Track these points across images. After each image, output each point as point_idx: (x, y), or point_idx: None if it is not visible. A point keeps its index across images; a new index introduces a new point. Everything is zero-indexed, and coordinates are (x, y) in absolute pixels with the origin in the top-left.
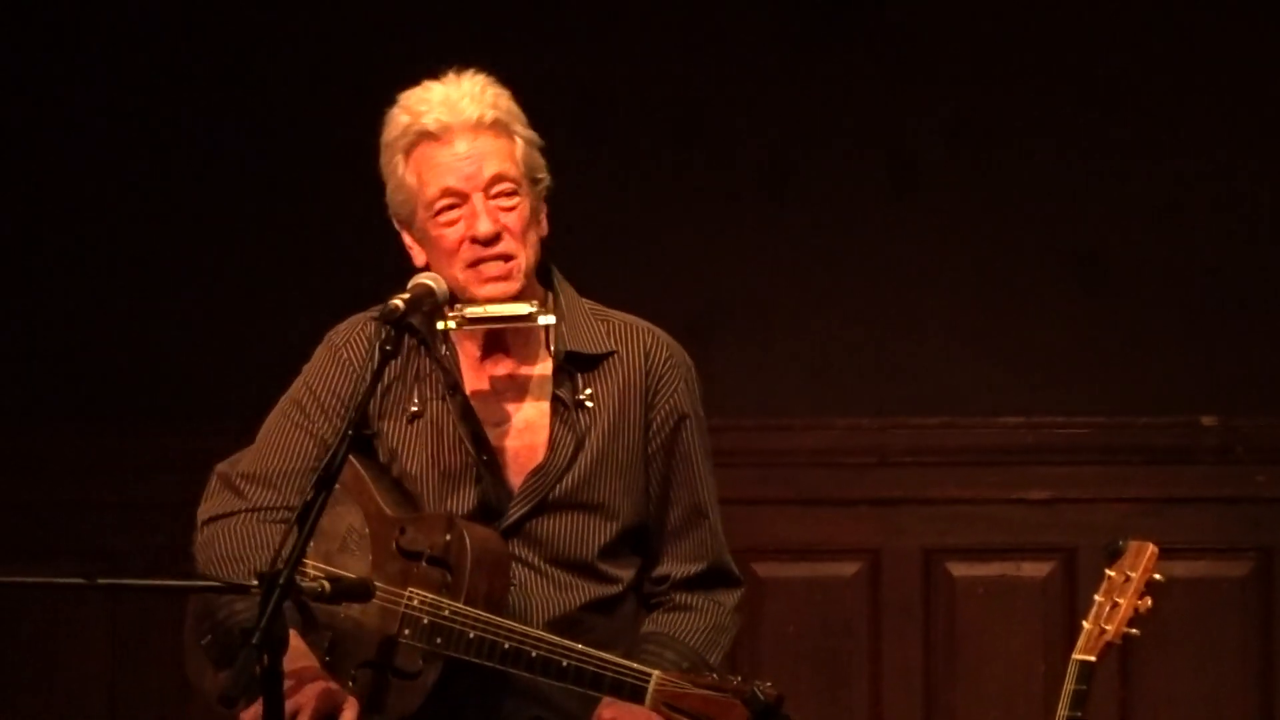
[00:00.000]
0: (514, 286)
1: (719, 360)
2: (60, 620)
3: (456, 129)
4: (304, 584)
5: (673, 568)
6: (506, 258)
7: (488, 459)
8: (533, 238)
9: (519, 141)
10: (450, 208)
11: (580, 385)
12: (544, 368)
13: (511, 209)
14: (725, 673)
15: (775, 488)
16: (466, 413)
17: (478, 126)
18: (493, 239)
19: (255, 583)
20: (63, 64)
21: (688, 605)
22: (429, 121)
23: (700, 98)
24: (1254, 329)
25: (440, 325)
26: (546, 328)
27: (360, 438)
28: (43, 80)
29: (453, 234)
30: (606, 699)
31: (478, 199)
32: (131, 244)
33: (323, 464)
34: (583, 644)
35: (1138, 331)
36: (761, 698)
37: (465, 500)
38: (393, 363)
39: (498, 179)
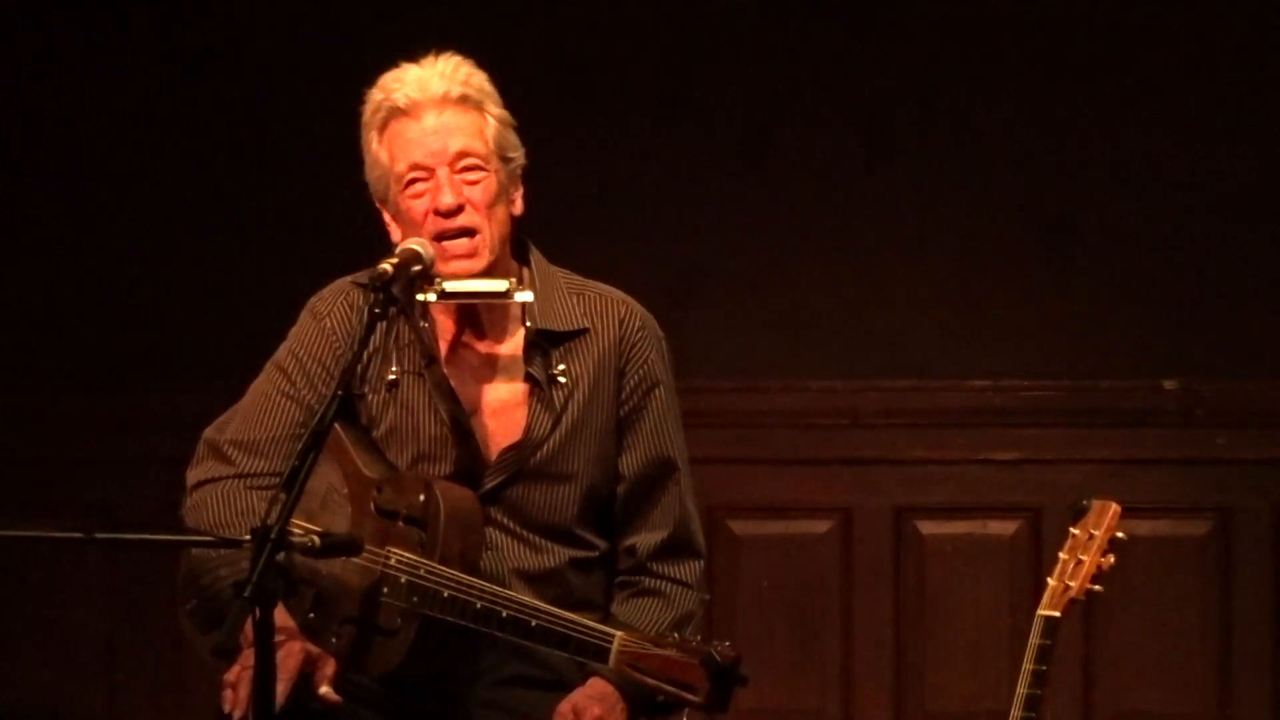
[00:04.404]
0: (478, 264)
1: (697, 324)
2: (59, 574)
3: (425, 104)
4: (295, 539)
5: (640, 537)
6: (470, 232)
7: (463, 431)
8: (500, 213)
9: (490, 119)
10: (417, 181)
11: (553, 361)
12: (516, 344)
13: (476, 183)
14: (686, 634)
15: (751, 448)
16: (442, 386)
17: (444, 101)
18: (454, 211)
19: (248, 538)
20: (44, 37)
21: (655, 590)
22: (399, 98)
23: (682, 69)
24: (1213, 295)
25: (420, 297)
26: (524, 304)
27: (349, 398)
28: (23, 52)
29: (419, 206)
30: (570, 697)
31: (442, 173)
32: (125, 210)
33: (313, 424)
34: (556, 599)
35: (1102, 297)
36: (719, 659)
37: (440, 471)
38: (378, 328)
39: (463, 154)
